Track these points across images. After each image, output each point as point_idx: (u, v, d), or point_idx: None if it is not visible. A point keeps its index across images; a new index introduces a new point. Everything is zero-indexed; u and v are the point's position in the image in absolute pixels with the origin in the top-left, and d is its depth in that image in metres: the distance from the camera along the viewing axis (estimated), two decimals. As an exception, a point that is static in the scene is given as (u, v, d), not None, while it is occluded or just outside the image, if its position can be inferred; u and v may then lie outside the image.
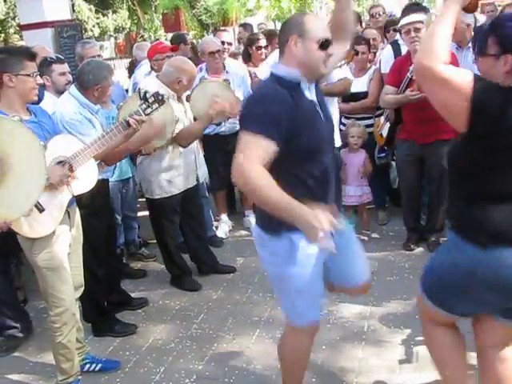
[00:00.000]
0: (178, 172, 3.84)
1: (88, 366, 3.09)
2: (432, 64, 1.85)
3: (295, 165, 2.13)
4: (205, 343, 3.31)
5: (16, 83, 2.55)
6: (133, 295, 3.91)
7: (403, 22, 3.97)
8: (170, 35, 14.22)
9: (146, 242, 4.83)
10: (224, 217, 5.04)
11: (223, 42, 4.83)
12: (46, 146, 2.59)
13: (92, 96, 3.21)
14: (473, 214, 1.99)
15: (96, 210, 3.23)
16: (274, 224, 2.10)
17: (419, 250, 4.31)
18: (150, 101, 3.01)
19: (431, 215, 4.32)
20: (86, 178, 2.79)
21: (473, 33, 4.12)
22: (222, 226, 4.97)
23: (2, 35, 21.44)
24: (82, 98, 3.19)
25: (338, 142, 3.93)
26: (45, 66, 3.67)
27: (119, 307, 3.72)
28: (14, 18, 19.47)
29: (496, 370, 2.21)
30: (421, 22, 3.85)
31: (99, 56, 4.51)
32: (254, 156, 1.97)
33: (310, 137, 2.12)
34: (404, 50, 4.31)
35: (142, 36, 20.11)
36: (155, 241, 4.20)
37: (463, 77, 1.87)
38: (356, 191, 4.53)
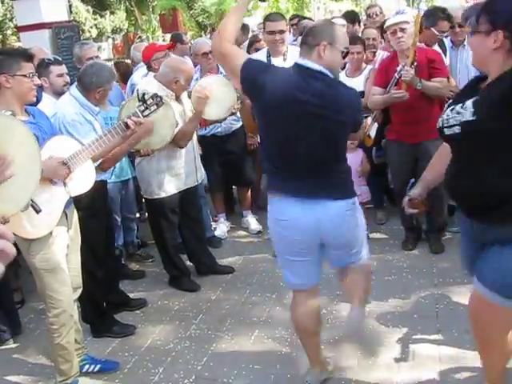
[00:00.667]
0: (177, 172, 3.85)
1: (87, 366, 3.09)
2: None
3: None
4: (204, 343, 3.32)
5: (13, 84, 2.55)
6: (131, 296, 3.91)
7: (389, 22, 4.02)
8: (167, 36, 14.24)
9: (144, 242, 4.84)
10: (222, 217, 5.05)
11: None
12: (43, 147, 2.58)
13: (93, 98, 3.21)
14: None
15: (94, 211, 3.24)
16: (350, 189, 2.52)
17: (417, 249, 4.32)
18: (149, 102, 3.02)
19: (430, 215, 4.31)
20: (83, 179, 2.79)
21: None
22: (220, 227, 4.96)
23: (0, 37, 21.41)
24: (83, 100, 3.19)
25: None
26: (43, 67, 3.68)
27: (118, 308, 3.73)
28: (11, 20, 19.42)
29: None
30: (407, 22, 3.88)
31: (97, 57, 4.51)
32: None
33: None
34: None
35: (140, 37, 20.05)
36: (154, 242, 4.21)
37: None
38: (354, 191, 4.52)
